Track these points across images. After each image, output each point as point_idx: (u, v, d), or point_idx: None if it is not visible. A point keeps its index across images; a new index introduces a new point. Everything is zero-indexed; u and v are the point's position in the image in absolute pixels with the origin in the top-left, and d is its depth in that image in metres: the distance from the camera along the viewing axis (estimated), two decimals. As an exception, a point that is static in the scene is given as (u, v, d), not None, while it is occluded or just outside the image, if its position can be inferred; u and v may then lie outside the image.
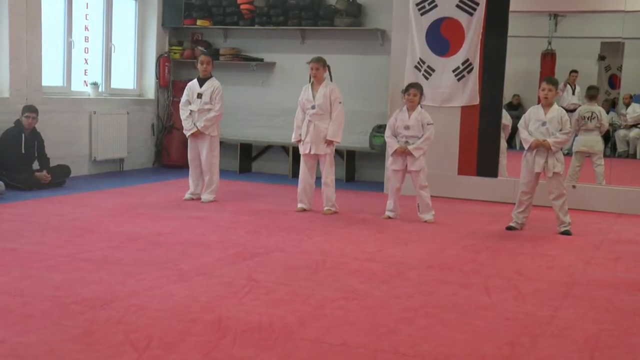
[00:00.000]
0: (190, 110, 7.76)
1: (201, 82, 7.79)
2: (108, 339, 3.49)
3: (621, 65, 9.33)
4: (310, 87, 7.37)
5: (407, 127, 7.06)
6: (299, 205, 7.45)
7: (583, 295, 4.69)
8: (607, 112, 9.10)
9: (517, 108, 10.13)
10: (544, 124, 6.68)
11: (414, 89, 7.12)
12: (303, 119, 7.38)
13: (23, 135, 8.18)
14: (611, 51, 9.54)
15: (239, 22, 10.56)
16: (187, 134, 7.79)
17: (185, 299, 4.18)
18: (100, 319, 3.77)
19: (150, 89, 10.85)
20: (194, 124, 7.71)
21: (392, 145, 7.17)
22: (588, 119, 8.73)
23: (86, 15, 9.79)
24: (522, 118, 6.94)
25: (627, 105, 9.83)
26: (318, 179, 7.49)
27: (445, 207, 7.89)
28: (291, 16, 10.22)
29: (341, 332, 3.73)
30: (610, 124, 9.23)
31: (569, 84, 9.82)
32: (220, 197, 7.94)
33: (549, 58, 9.74)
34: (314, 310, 4.09)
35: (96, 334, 3.55)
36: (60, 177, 8.49)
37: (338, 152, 8.52)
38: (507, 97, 9.62)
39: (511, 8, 8.42)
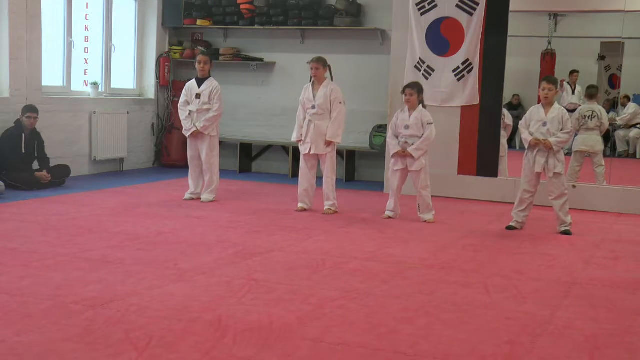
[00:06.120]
0: (190, 111, 7.76)
1: (199, 82, 7.79)
2: (108, 338, 3.49)
3: (621, 65, 9.33)
4: (311, 86, 7.36)
5: (406, 127, 7.05)
6: (300, 205, 7.45)
7: (583, 295, 4.69)
8: (608, 112, 9.11)
9: (517, 108, 10.14)
10: (544, 124, 6.68)
11: (410, 89, 7.11)
12: (304, 118, 7.37)
13: (23, 135, 8.18)
14: (611, 51, 9.54)
15: (239, 22, 10.56)
16: (187, 134, 7.79)
17: (185, 299, 4.18)
18: (100, 318, 3.77)
19: (150, 89, 10.85)
20: (194, 124, 7.72)
21: (392, 147, 7.17)
22: (589, 117, 8.73)
23: (86, 15, 9.79)
24: (524, 118, 6.95)
25: (624, 105, 9.84)
26: (319, 178, 7.49)
27: (445, 207, 7.89)
28: (291, 16, 10.22)
29: (341, 332, 3.73)
30: (611, 124, 9.23)
31: (568, 83, 9.81)
32: (220, 197, 7.94)
33: (549, 58, 9.74)
34: (313, 309, 4.09)
35: (96, 333, 3.55)
36: (60, 177, 8.49)
37: (338, 152, 8.50)
38: (507, 97, 9.62)
39: (511, 8, 8.43)
